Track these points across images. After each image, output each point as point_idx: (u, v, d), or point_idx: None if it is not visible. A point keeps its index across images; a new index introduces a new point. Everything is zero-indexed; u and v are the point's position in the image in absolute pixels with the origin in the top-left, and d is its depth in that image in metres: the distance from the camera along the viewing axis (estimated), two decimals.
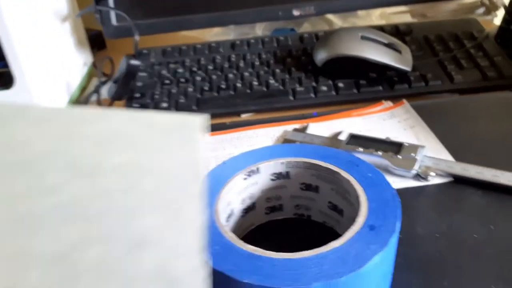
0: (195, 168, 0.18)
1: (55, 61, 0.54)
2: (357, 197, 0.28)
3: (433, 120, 0.46)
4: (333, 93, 0.54)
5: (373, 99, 0.52)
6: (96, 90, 0.58)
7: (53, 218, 0.16)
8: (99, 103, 0.57)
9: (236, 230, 0.33)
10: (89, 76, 0.64)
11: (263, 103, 0.53)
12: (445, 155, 0.41)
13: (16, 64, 0.49)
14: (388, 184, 0.29)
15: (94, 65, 0.66)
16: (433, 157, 0.40)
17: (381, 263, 0.25)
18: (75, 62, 0.61)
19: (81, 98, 0.60)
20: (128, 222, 0.17)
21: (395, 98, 0.51)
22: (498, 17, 0.69)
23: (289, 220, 0.36)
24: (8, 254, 0.16)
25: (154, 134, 0.19)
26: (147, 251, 0.17)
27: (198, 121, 0.19)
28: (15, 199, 0.17)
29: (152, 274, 0.16)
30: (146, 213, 0.17)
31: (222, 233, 0.27)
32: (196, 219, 0.17)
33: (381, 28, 0.63)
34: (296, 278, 0.23)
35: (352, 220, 0.27)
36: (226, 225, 0.31)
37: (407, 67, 0.54)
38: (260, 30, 0.68)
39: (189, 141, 0.19)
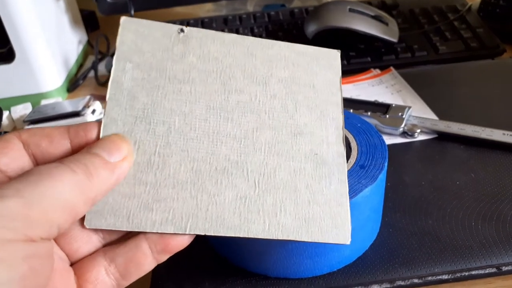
0: (336, 84, 0.26)
1: (52, 38, 0.55)
2: (348, 144, 0.31)
3: (419, 85, 0.48)
4: None
5: (362, 69, 0.54)
6: (93, 66, 0.60)
7: (237, 111, 0.24)
8: (97, 78, 0.59)
9: None
10: (85, 54, 0.65)
11: None
12: (430, 115, 0.44)
13: (17, 41, 0.51)
14: (376, 131, 0.32)
15: (89, 43, 0.67)
16: (418, 116, 0.42)
17: (371, 196, 0.27)
18: (71, 40, 0.62)
19: (78, 74, 0.61)
20: (290, 118, 0.25)
21: (383, 68, 0.54)
22: None
23: None
24: (208, 132, 0.23)
25: (306, 59, 0.26)
26: (304, 138, 0.25)
27: (337, 53, 0.27)
28: (213, 95, 0.24)
29: (307, 156, 0.24)
30: (301, 112, 0.25)
31: None
32: (338, 119, 0.26)
33: (368, 2, 0.65)
34: None
35: None
36: None
37: (394, 39, 0.56)
38: (251, 6, 0.69)
39: (331, 66, 0.27)
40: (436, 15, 0.62)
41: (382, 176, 0.28)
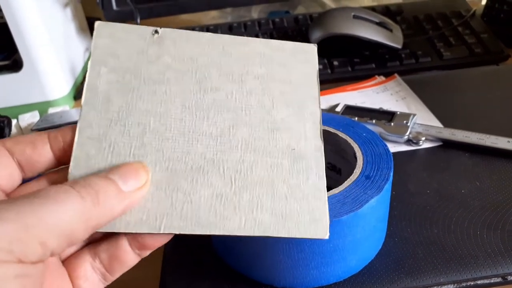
0: (313, 78, 0.26)
1: (59, 46, 0.56)
2: (354, 153, 0.31)
3: (424, 92, 0.49)
4: (329, 71, 0.56)
5: (367, 76, 0.54)
6: None
7: (213, 109, 0.24)
8: None
9: None
10: None
11: None
12: (435, 122, 0.44)
13: (24, 50, 0.51)
14: (381, 141, 0.32)
15: None
16: (423, 124, 0.43)
17: (377, 207, 0.27)
18: (78, 48, 0.62)
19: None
20: (267, 114, 0.25)
21: (387, 75, 0.54)
22: None
23: None
24: (183, 132, 0.24)
25: (282, 54, 0.26)
26: (281, 134, 0.24)
27: (314, 47, 0.27)
28: (188, 94, 0.25)
29: (284, 151, 0.24)
30: (278, 108, 0.25)
31: None
32: (315, 113, 0.25)
33: (372, 9, 0.65)
34: None
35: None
36: None
37: (398, 45, 0.57)
38: (256, 13, 0.70)
39: (308, 60, 0.27)
40: (440, 21, 0.62)
41: (388, 186, 0.28)
